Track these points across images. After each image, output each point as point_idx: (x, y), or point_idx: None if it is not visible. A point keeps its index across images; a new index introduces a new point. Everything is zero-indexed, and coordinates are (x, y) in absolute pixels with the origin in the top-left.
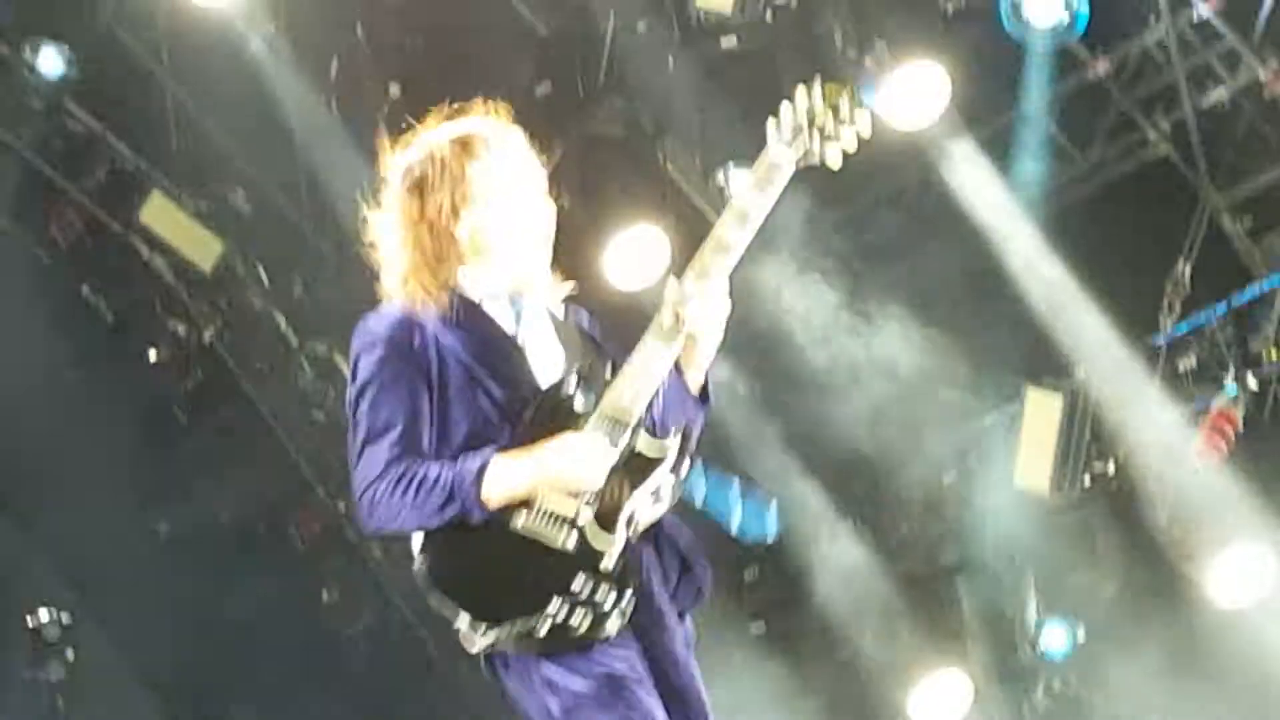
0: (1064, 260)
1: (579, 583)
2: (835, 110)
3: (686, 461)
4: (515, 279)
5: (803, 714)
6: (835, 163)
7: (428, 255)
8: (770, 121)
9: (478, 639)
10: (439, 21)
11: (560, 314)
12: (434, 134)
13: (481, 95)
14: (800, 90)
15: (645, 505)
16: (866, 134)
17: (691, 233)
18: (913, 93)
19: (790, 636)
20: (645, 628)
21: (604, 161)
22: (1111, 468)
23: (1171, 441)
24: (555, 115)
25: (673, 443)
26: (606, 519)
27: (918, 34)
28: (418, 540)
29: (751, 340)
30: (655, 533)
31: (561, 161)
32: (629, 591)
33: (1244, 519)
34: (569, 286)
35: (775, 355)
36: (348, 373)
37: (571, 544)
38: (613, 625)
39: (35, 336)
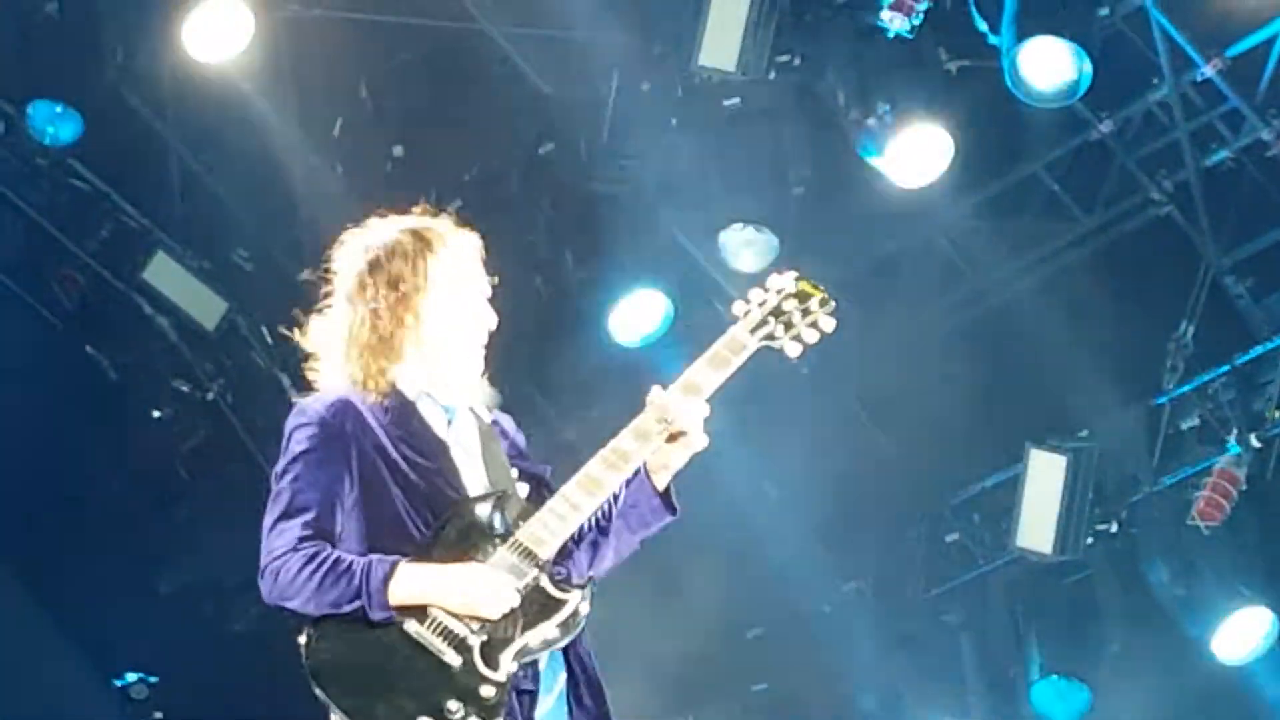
0: (1067, 320)
1: (454, 706)
2: (805, 309)
3: (589, 605)
4: (450, 379)
5: None
6: (794, 355)
7: (373, 341)
8: (738, 304)
9: None
10: (442, 82)
11: (486, 419)
12: (392, 224)
13: (484, 155)
14: (774, 277)
15: (539, 643)
16: (829, 331)
17: (693, 292)
18: (915, 152)
19: (793, 695)
20: None
21: (607, 221)
22: (1115, 527)
23: (1174, 501)
24: (558, 175)
25: (576, 594)
26: (494, 651)
27: (921, 93)
28: (307, 622)
29: (748, 393)
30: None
31: (565, 221)
32: None
33: (1246, 578)
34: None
35: (768, 401)
36: (282, 445)
37: (457, 663)
38: None
39: (39, 395)
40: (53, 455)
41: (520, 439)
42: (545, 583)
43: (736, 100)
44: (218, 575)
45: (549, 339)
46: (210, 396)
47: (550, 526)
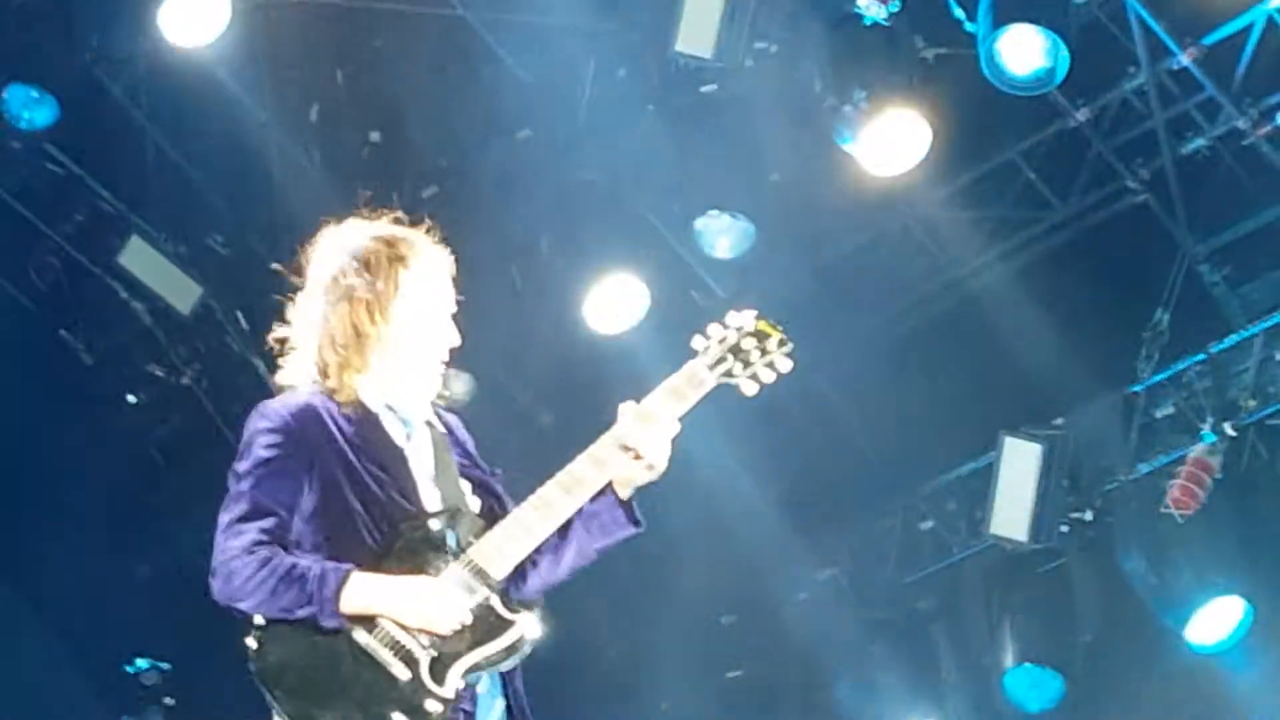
0: (1043, 308)
1: (397, 719)
2: (763, 348)
3: (538, 628)
4: (411, 391)
5: None
6: (750, 393)
7: (340, 346)
8: (698, 339)
9: None
10: (419, 68)
11: (440, 428)
12: (368, 229)
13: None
14: (732, 314)
15: (486, 662)
16: (785, 371)
17: (670, 279)
18: (891, 139)
19: (767, 682)
20: None
21: (583, 207)
22: (1089, 515)
23: (1149, 489)
24: (536, 161)
25: (526, 615)
26: (442, 667)
27: (897, 80)
28: (257, 623)
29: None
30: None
31: (541, 208)
32: None
33: (1220, 567)
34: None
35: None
36: (242, 445)
37: (405, 677)
38: None
39: (13, 379)
40: (27, 439)
41: (470, 442)
42: (496, 603)
43: (713, 86)
44: (194, 560)
45: (525, 326)
46: (185, 382)
47: (503, 548)
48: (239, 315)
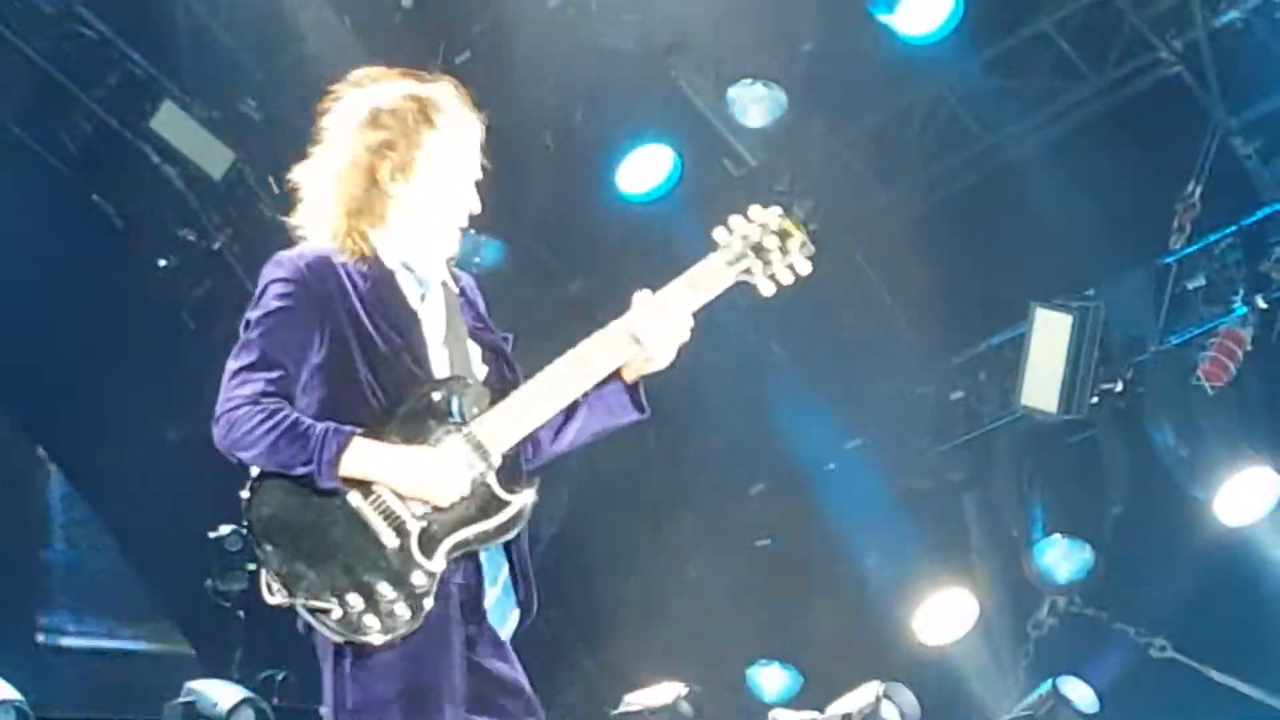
0: (1075, 179)
1: (384, 590)
2: (784, 248)
3: (531, 508)
4: (427, 252)
5: (807, 630)
6: (766, 293)
7: (358, 201)
8: (719, 231)
9: (272, 595)
10: None
11: (454, 289)
12: (399, 85)
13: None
14: (756, 209)
15: (477, 539)
16: (805, 274)
17: (701, 148)
18: (924, 5)
19: (796, 552)
20: (471, 639)
21: (616, 76)
22: (1119, 387)
23: (1179, 361)
24: (568, 28)
25: (521, 495)
26: (432, 540)
27: None
28: (252, 475)
29: None
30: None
31: (574, 76)
32: (423, 613)
33: (1250, 438)
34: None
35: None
36: (256, 293)
37: (394, 545)
38: (397, 637)
39: (45, 243)
40: (59, 303)
41: (481, 303)
42: (493, 480)
43: None
44: None
45: (557, 194)
46: (216, 246)
47: (505, 424)
48: (271, 180)
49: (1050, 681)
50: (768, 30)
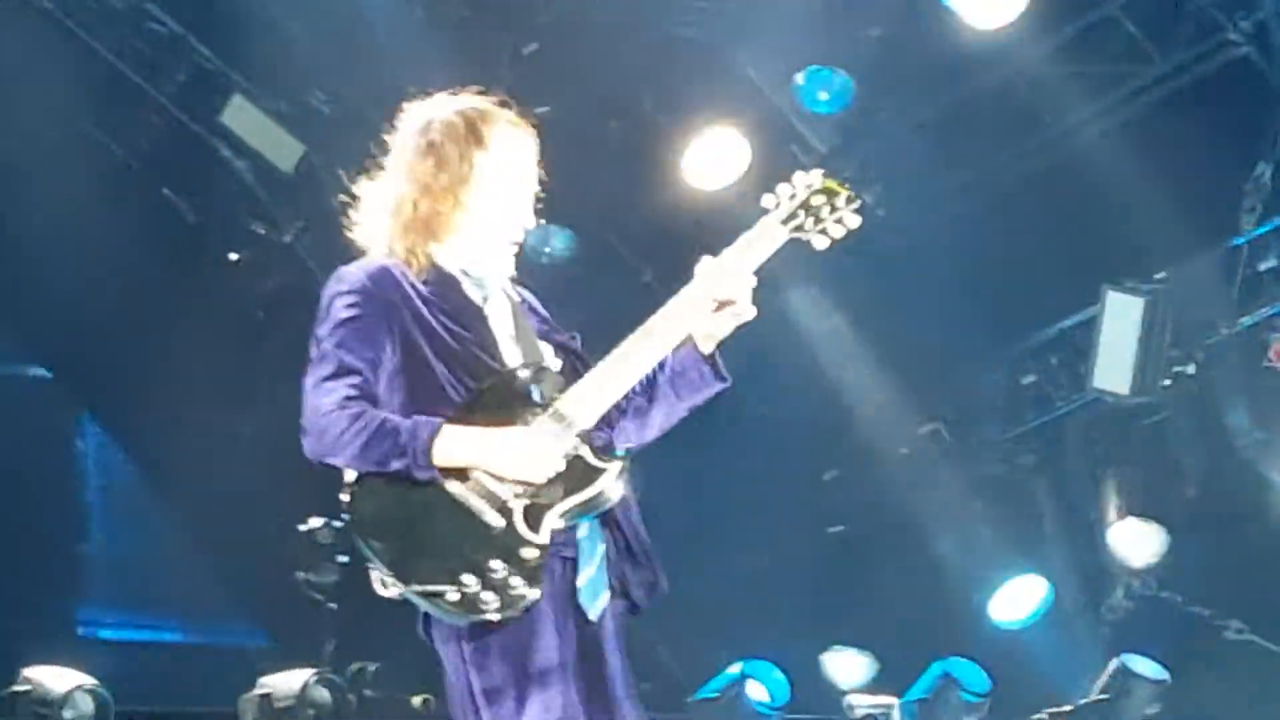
0: (1145, 162)
1: (496, 565)
2: (832, 205)
3: (627, 475)
4: (484, 264)
5: (881, 616)
6: (820, 248)
7: (414, 220)
8: (767, 197)
9: (386, 589)
10: None
11: (516, 298)
12: (456, 103)
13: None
14: (799, 175)
15: (578, 509)
16: (854, 227)
17: (770, 133)
18: None
19: (869, 537)
20: (579, 621)
21: (684, 63)
22: (1192, 368)
23: (1251, 343)
24: (636, 16)
25: (615, 464)
26: (536, 514)
27: None
28: (349, 479)
29: None
30: (612, 523)
31: (642, 64)
32: (539, 588)
33: None
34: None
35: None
36: (321, 310)
37: (499, 525)
38: (519, 610)
39: (117, 238)
40: (130, 298)
41: (544, 311)
42: (585, 451)
43: None
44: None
45: (626, 181)
46: (288, 239)
47: (588, 397)
48: (341, 173)
49: (1119, 660)
50: (836, 17)
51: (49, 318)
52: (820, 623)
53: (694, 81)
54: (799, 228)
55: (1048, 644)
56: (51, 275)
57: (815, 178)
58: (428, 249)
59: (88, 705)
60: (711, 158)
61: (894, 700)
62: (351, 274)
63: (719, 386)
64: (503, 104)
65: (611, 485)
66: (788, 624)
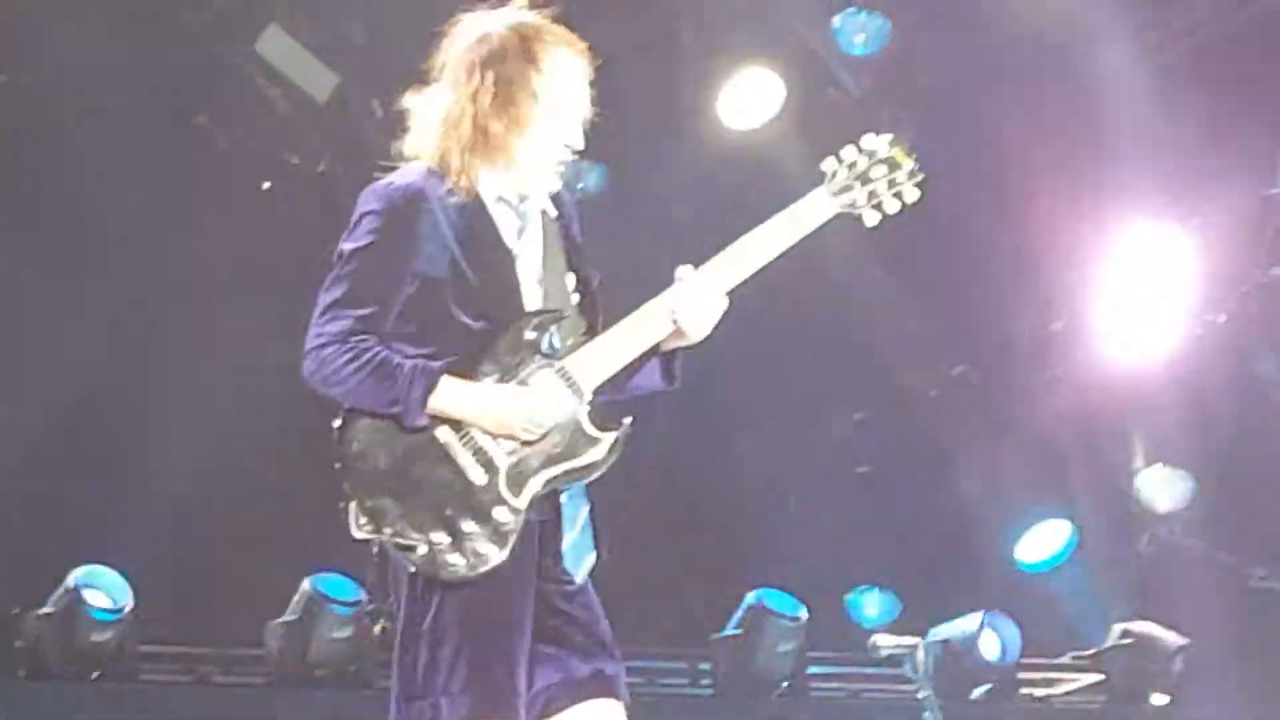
0: (1182, 108)
1: (468, 527)
2: (892, 179)
3: (620, 447)
4: (528, 187)
5: (907, 557)
6: (870, 223)
7: (467, 134)
8: (829, 160)
9: (359, 529)
10: None
11: (553, 214)
12: (513, 22)
13: None
14: (867, 138)
15: (565, 476)
16: (912, 202)
17: (806, 74)
18: None
19: (896, 479)
20: (546, 577)
21: (719, 2)
22: (1222, 317)
23: None
24: None
25: (610, 435)
26: (520, 477)
27: None
28: (341, 412)
29: None
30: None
31: (676, 2)
32: (509, 550)
33: None
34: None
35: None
36: (351, 222)
37: (481, 482)
38: (483, 574)
39: (149, 165)
40: (163, 225)
41: (576, 223)
42: (584, 417)
43: None
44: None
45: (661, 119)
46: (321, 169)
47: (596, 360)
48: (375, 104)
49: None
50: None
51: (80, 242)
52: (846, 563)
53: (730, 20)
54: (851, 203)
55: (1072, 589)
56: (85, 199)
57: (881, 145)
58: (478, 171)
59: None
60: (746, 97)
61: (918, 640)
62: (385, 192)
63: (662, 387)
64: (556, 20)
65: (603, 455)
66: (815, 565)
